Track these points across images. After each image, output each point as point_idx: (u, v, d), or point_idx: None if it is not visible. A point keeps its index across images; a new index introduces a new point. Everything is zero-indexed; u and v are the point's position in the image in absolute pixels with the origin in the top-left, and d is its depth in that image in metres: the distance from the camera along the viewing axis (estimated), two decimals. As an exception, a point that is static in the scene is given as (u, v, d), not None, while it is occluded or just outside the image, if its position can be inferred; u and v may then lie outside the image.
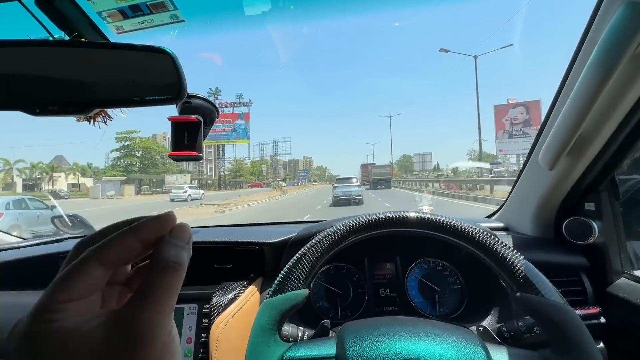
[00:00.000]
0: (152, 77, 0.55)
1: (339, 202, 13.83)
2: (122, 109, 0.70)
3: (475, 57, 20.92)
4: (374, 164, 47.57)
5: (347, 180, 15.51)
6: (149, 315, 0.20)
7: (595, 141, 0.63)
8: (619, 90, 0.52)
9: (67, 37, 0.58)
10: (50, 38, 0.57)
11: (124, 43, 0.55)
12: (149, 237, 0.23)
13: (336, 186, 14.96)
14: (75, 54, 0.53)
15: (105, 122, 0.65)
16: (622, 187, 0.76)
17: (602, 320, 0.73)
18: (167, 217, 0.25)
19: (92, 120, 0.66)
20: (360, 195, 14.09)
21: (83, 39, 0.59)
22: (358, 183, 15.29)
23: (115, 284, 0.26)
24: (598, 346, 0.72)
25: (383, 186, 30.47)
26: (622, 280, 0.76)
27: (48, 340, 0.19)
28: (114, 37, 0.63)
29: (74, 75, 0.53)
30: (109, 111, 0.67)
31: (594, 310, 0.73)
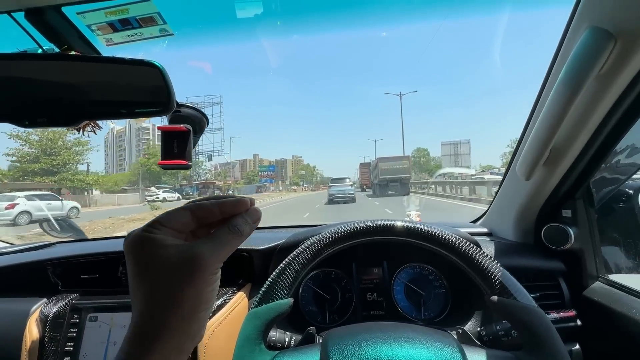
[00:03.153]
0: (141, 90, 0.57)
1: (333, 200, 15.74)
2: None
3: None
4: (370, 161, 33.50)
5: (341, 180, 17.92)
6: (205, 252, 0.29)
7: (568, 153, 0.66)
8: (587, 107, 0.55)
9: (56, 50, 0.59)
10: (40, 50, 0.58)
11: (114, 57, 0.56)
12: (228, 211, 0.32)
13: (331, 185, 17.52)
14: (65, 66, 0.54)
15: (94, 132, 0.66)
16: (597, 195, 0.79)
17: (579, 322, 0.76)
18: (244, 202, 0.33)
19: (81, 130, 0.66)
20: (352, 194, 16.13)
21: (73, 52, 0.59)
22: (350, 183, 17.65)
23: (199, 232, 0.34)
24: (574, 348, 0.75)
25: (394, 191, 20.03)
26: (597, 284, 0.79)
27: (145, 241, 0.28)
28: (103, 49, 0.64)
29: (64, 88, 0.54)
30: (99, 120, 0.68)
31: (571, 313, 0.77)
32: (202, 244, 0.29)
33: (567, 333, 0.73)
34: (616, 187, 0.80)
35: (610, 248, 0.87)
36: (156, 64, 0.56)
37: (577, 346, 0.75)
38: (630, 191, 0.87)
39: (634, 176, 0.82)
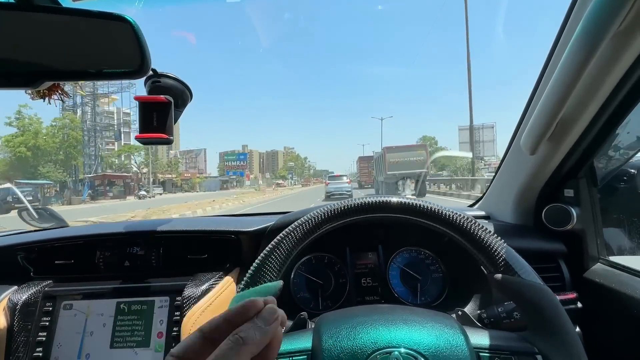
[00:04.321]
0: (110, 48, 0.50)
1: (331, 197, 15.80)
2: (81, 86, 0.64)
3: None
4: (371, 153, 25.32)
5: (338, 177, 18.08)
6: None
7: (575, 126, 0.62)
8: (601, 71, 0.51)
9: None
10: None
11: (78, 8, 0.49)
12: (236, 321, 0.29)
13: (329, 183, 17.51)
14: (22, 18, 0.47)
15: (62, 100, 0.60)
16: (600, 174, 0.77)
17: (579, 305, 0.73)
18: (252, 305, 0.30)
19: (47, 98, 0.60)
20: (350, 191, 16.18)
21: (31, 2, 0.53)
22: (348, 181, 17.64)
23: None
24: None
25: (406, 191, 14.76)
26: (599, 266, 0.77)
27: None
28: (68, 3, 0.57)
29: (21, 43, 0.48)
30: (67, 88, 0.61)
31: (571, 295, 0.74)
32: None
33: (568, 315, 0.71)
34: (619, 165, 0.77)
35: (612, 229, 0.85)
36: (127, 18, 0.50)
37: (578, 329, 0.73)
38: (633, 170, 0.84)
39: (637, 155, 0.79)
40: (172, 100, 0.71)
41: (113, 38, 0.50)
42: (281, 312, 0.31)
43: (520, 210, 0.87)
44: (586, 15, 0.46)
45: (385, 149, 16.90)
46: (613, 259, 0.78)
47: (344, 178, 17.52)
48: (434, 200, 0.58)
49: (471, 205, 1.15)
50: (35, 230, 1.12)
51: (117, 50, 0.51)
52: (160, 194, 37.09)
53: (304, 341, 0.48)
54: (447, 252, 0.87)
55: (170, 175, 49.76)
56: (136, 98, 0.67)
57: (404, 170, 15.47)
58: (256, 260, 0.54)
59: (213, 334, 0.28)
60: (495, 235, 0.53)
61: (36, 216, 1.76)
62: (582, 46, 0.47)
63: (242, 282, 0.53)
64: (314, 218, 0.57)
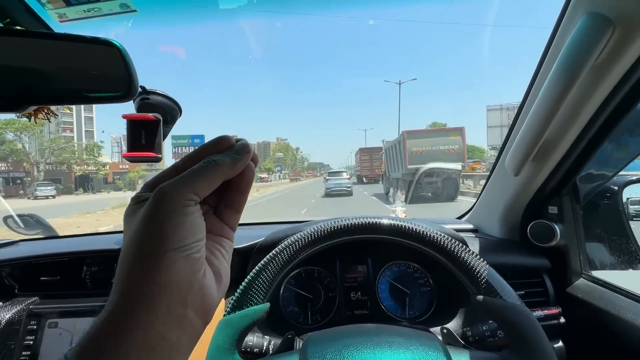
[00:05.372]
0: (97, 73, 0.50)
1: (330, 193, 15.81)
2: (69, 107, 0.64)
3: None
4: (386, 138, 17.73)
5: (338, 173, 17.69)
6: (170, 189, 0.24)
7: (558, 148, 0.64)
8: (580, 99, 0.52)
9: (-2, 24, 0.51)
10: (-23, 24, 0.50)
11: (65, 33, 0.49)
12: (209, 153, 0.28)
13: (328, 179, 17.10)
14: (7, 42, 0.47)
15: (48, 119, 0.59)
16: (583, 191, 0.79)
17: (562, 320, 0.75)
18: (222, 140, 0.29)
19: (32, 117, 0.59)
20: (349, 188, 16.04)
21: (17, 27, 0.52)
22: (347, 177, 17.21)
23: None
24: (557, 345, 0.74)
25: (432, 192, 10.75)
26: (581, 281, 0.79)
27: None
28: (56, 26, 0.56)
29: (5, 67, 0.47)
30: (54, 107, 0.60)
31: (555, 310, 0.76)
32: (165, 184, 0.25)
33: (551, 330, 0.72)
34: (602, 183, 0.79)
35: (594, 244, 0.87)
36: (115, 42, 0.50)
37: (561, 343, 0.75)
38: (615, 187, 0.87)
39: (619, 173, 0.81)
40: (161, 118, 0.70)
41: (100, 62, 0.50)
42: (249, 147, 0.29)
43: (506, 226, 0.89)
44: (564, 48, 0.48)
45: (406, 134, 11.28)
46: (595, 273, 0.80)
47: (344, 174, 17.56)
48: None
49: (460, 217, 1.17)
50: (21, 240, 1.10)
51: (104, 74, 0.51)
52: (52, 196, 25.34)
53: None
54: (435, 266, 0.88)
55: (88, 167, 36.10)
56: (124, 116, 0.66)
57: (432, 164, 10.47)
58: (243, 283, 0.55)
59: (185, 165, 0.27)
60: (478, 256, 0.55)
61: (21, 224, 1.73)
62: (561, 77, 0.48)
63: (229, 306, 0.53)
64: (302, 239, 0.58)
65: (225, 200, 0.30)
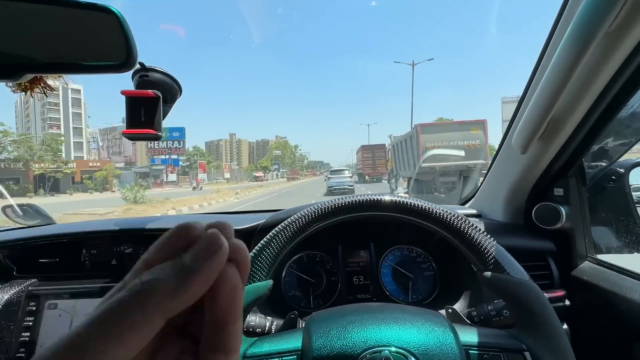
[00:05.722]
0: (94, 40, 0.49)
1: (333, 191, 16.04)
2: (66, 78, 0.62)
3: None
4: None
5: (340, 172, 17.98)
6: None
7: (566, 125, 0.63)
8: (592, 70, 0.51)
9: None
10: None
11: (61, -2, 0.48)
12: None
13: (330, 177, 17.48)
14: (1, 8, 0.46)
15: (44, 93, 0.58)
16: (589, 173, 0.77)
17: (567, 302, 0.75)
18: (178, 231, 0.19)
19: (29, 91, 0.58)
20: (352, 186, 16.47)
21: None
22: (349, 175, 17.59)
23: None
24: (562, 327, 0.74)
25: (446, 191, 9.24)
26: (586, 264, 0.78)
27: None
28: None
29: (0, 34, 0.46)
30: (50, 81, 0.59)
31: (559, 293, 0.75)
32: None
33: (556, 313, 0.72)
34: (608, 165, 0.78)
35: (600, 228, 0.86)
36: (113, 9, 0.48)
37: (565, 326, 0.74)
38: (621, 170, 0.86)
39: (625, 155, 0.80)
40: (161, 95, 0.69)
41: (97, 29, 0.48)
42: (237, 243, 0.20)
43: (510, 209, 0.88)
44: (577, 15, 0.47)
45: (420, 127, 10.10)
46: (600, 257, 0.79)
47: (346, 172, 17.94)
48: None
49: (463, 204, 1.16)
50: (19, 228, 1.09)
51: (102, 42, 0.49)
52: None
53: (293, 341, 0.47)
54: (438, 250, 0.88)
55: (51, 166, 29.78)
56: (123, 92, 0.65)
57: (451, 162, 9.27)
58: None
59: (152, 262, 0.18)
60: (486, 233, 0.54)
61: (21, 213, 1.72)
62: (573, 45, 0.47)
63: None
64: (304, 217, 0.57)
65: (205, 334, 0.19)
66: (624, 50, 0.48)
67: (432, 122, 10.96)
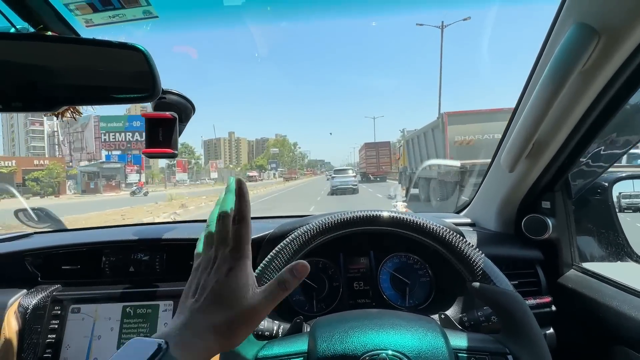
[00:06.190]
0: (124, 75, 0.54)
1: (336, 191, 15.90)
2: (94, 107, 0.68)
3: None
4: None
5: (343, 171, 17.66)
6: (261, 307, 0.40)
7: (550, 146, 0.68)
8: (569, 102, 0.56)
9: (31, 29, 0.55)
10: (13, 30, 0.54)
11: (94, 39, 0.53)
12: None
13: (334, 177, 17.27)
14: (41, 47, 0.51)
15: (74, 117, 0.64)
16: (574, 187, 0.83)
17: (553, 308, 0.80)
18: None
19: (60, 116, 0.64)
20: (355, 185, 16.21)
21: (49, 32, 0.56)
22: (353, 174, 17.23)
23: None
24: (548, 332, 0.79)
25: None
26: (572, 272, 0.83)
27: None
28: (82, 31, 0.60)
29: (39, 70, 0.51)
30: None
31: (546, 299, 0.80)
32: (260, 297, 0.39)
33: (542, 318, 0.77)
34: (592, 179, 0.83)
35: (585, 238, 0.91)
36: (140, 47, 0.54)
37: (551, 330, 0.80)
38: (605, 184, 0.91)
39: (609, 169, 0.85)
40: (177, 117, 0.75)
41: (127, 66, 0.54)
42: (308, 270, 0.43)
43: (502, 220, 0.94)
44: (555, 54, 0.52)
45: (447, 116, 8.29)
46: (585, 265, 0.84)
47: (349, 172, 17.61)
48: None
49: (458, 212, 1.21)
50: (38, 232, 1.15)
51: (129, 76, 0.55)
52: None
53: (300, 344, 0.53)
54: (434, 258, 0.93)
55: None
56: (143, 115, 0.71)
57: (476, 160, 6.84)
58: (257, 270, 0.59)
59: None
60: (475, 247, 0.59)
61: (34, 217, 1.78)
62: (552, 81, 0.53)
63: None
64: (310, 230, 0.62)
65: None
66: (597, 86, 0.53)
67: (461, 111, 8.69)
